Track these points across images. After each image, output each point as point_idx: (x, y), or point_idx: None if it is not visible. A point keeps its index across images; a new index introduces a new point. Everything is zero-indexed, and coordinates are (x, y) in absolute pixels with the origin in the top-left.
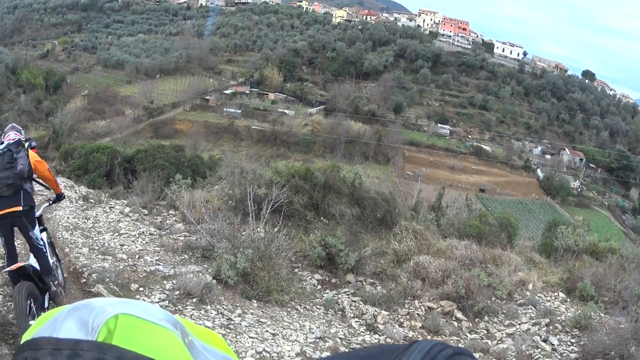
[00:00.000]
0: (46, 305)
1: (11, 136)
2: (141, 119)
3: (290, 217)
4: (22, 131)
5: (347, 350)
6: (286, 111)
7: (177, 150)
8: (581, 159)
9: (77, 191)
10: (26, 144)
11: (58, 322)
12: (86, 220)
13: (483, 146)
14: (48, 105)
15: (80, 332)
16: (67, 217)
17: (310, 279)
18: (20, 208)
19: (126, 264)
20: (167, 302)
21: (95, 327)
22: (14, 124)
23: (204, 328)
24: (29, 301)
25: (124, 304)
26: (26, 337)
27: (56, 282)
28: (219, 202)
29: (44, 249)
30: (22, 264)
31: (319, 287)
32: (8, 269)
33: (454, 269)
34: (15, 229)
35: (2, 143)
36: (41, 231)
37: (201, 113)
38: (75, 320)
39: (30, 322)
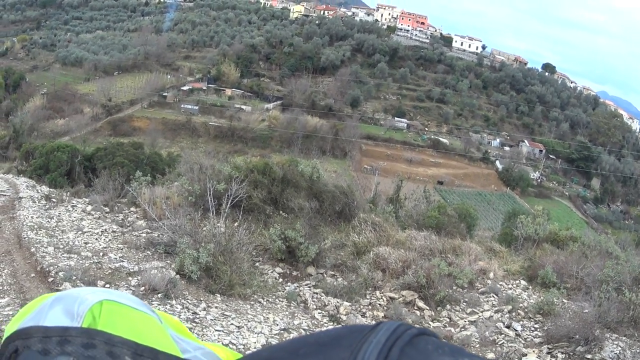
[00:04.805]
0: None
1: None
2: (100, 117)
3: (250, 212)
4: None
5: None
6: (243, 107)
7: (136, 147)
8: (541, 150)
9: (39, 191)
10: None
11: (44, 312)
12: (50, 220)
13: (441, 139)
14: (7, 105)
15: (66, 320)
16: (31, 217)
17: (272, 272)
18: None
19: (91, 261)
20: None
21: (81, 314)
22: None
23: (173, 318)
24: None
25: (105, 292)
26: (10, 328)
27: None
28: (179, 198)
29: None
30: None
31: (281, 280)
32: None
33: (414, 260)
34: None
35: None
36: None
37: (159, 110)
38: (61, 308)
39: None
